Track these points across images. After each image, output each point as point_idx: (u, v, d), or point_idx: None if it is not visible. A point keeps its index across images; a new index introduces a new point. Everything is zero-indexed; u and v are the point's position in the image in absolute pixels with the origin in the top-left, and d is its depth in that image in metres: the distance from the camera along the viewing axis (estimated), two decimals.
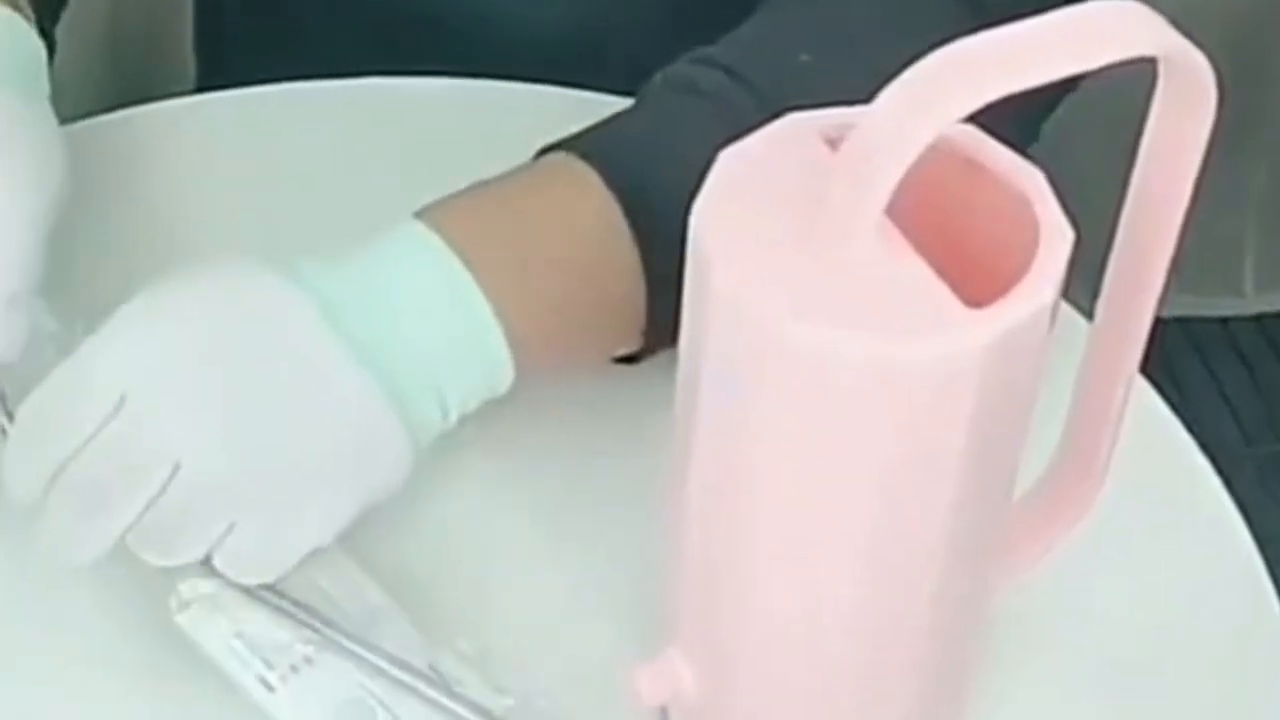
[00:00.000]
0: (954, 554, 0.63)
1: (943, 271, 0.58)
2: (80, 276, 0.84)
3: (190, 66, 1.17)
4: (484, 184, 0.76)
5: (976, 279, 0.58)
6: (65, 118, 0.93)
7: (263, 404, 0.70)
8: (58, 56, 0.89)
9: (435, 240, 0.73)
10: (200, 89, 1.13)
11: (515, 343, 0.73)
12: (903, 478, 0.60)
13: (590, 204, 0.75)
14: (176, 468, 0.69)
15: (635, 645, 0.72)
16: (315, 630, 0.71)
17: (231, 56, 1.12)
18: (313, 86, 0.96)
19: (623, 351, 0.77)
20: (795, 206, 0.58)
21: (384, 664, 0.70)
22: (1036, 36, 0.56)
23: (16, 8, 0.80)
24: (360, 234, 0.86)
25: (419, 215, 0.74)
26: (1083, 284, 0.66)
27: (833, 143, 0.59)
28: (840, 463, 0.60)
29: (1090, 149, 0.91)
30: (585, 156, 0.76)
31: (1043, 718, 0.74)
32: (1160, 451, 0.82)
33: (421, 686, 0.70)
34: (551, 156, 0.77)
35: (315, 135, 0.95)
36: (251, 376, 0.70)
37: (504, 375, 0.74)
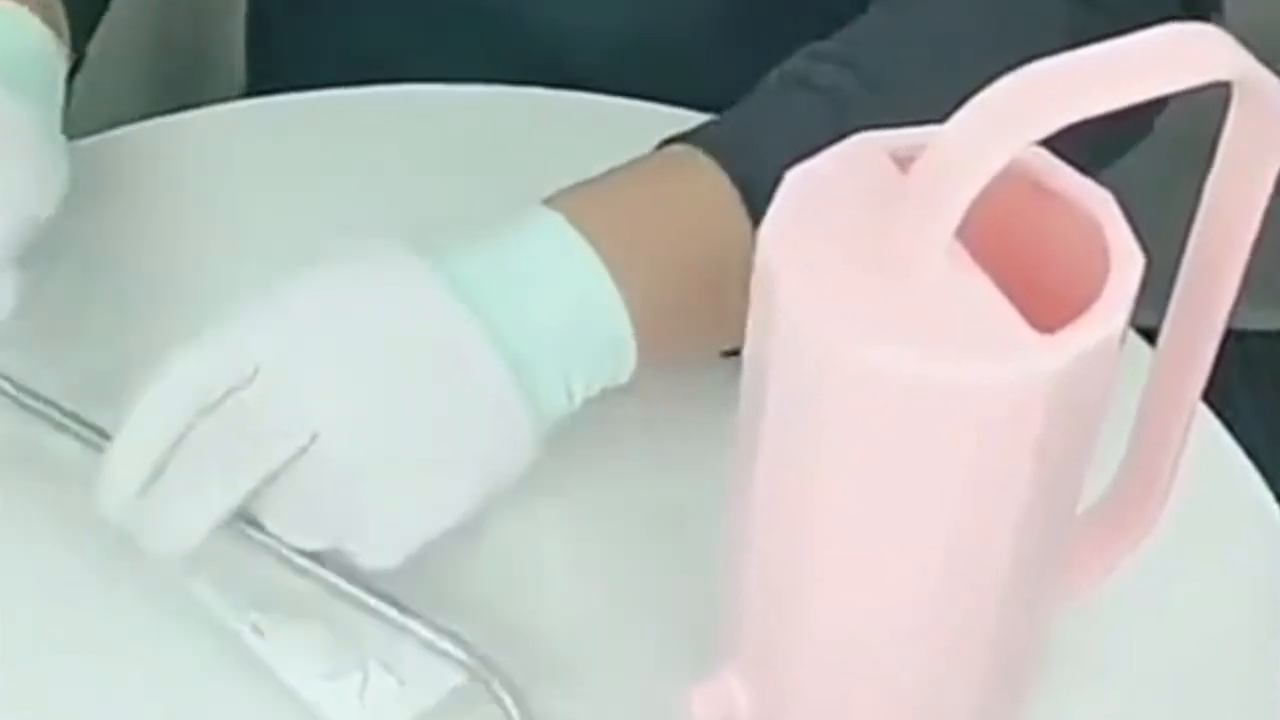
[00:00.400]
0: (1017, 575, 0.63)
1: (1011, 294, 0.57)
2: (129, 281, 0.84)
3: (239, 71, 1.17)
4: (608, 174, 0.76)
5: (1045, 302, 0.58)
6: (114, 122, 0.94)
7: (399, 383, 0.69)
8: (107, 60, 0.89)
9: (567, 228, 0.73)
10: (250, 93, 1.13)
11: (639, 331, 0.73)
12: (968, 501, 0.60)
13: (712, 196, 0.75)
14: (310, 440, 0.68)
15: (684, 665, 0.71)
16: (307, 572, 0.70)
17: (281, 61, 1.12)
18: (363, 92, 0.96)
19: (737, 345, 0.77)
20: (864, 228, 0.58)
21: (373, 600, 0.70)
22: (1111, 61, 0.55)
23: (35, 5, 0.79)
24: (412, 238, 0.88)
25: (548, 203, 0.74)
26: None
27: (902, 163, 0.59)
28: (905, 485, 0.59)
29: (1148, 168, 0.90)
30: (707, 149, 0.76)
31: None
32: (1218, 471, 0.81)
33: (414, 625, 0.70)
34: (673, 149, 0.77)
35: (366, 140, 0.94)
36: (388, 355, 0.69)
37: (627, 363, 0.74)
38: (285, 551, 0.70)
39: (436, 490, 0.70)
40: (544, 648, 0.74)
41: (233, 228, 0.90)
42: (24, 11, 0.78)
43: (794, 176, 0.60)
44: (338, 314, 0.70)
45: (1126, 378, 0.65)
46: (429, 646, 0.70)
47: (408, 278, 0.71)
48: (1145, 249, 0.58)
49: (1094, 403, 0.60)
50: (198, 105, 0.96)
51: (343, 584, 0.71)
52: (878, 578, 0.62)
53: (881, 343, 0.56)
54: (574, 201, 0.74)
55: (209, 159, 0.93)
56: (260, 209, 0.90)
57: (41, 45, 0.79)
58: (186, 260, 0.88)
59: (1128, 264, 0.58)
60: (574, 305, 0.72)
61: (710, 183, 0.75)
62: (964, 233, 0.57)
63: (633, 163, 0.77)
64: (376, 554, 0.70)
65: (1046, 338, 0.56)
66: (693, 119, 0.80)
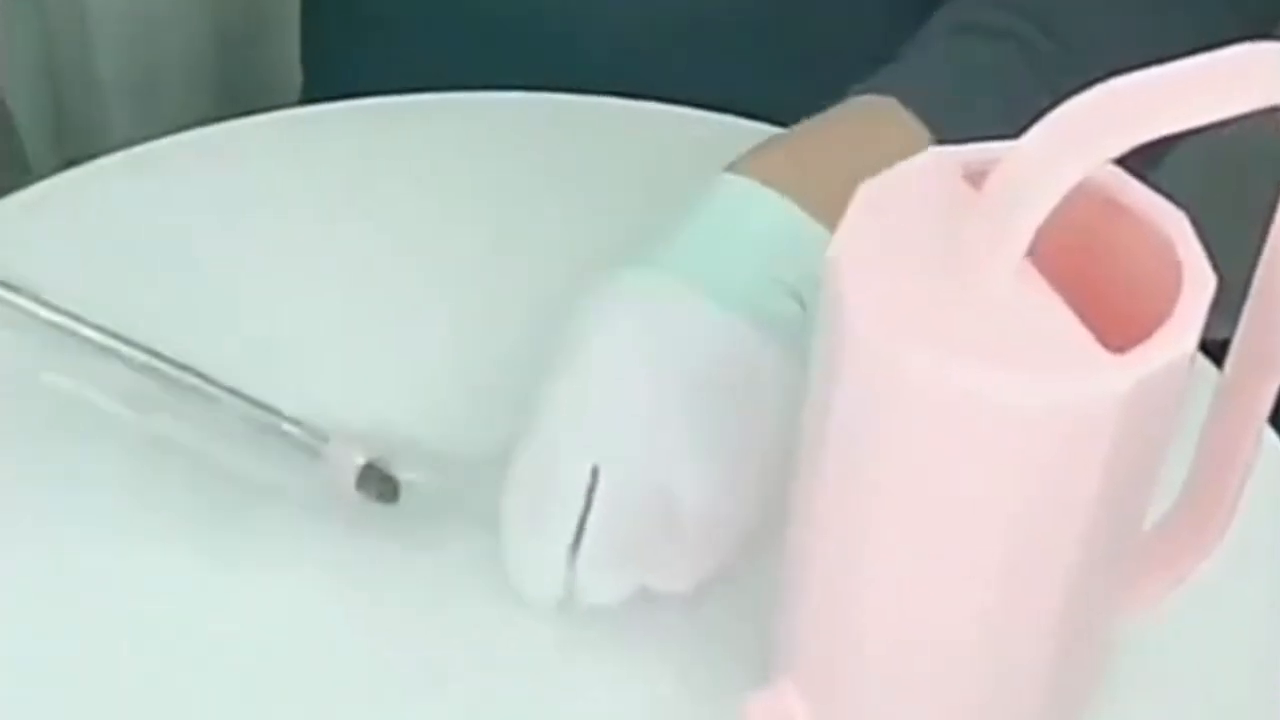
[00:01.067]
0: (1077, 593, 0.63)
1: (1081, 310, 0.57)
2: (188, 284, 0.85)
3: (296, 77, 1.18)
4: (793, 130, 0.77)
5: (1114, 319, 0.57)
6: (173, 127, 0.95)
7: (730, 428, 0.71)
8: (169, 68, 0.90)
9: (761, 188, 0.73)
10: (305, 100, 1.14)
11: None
12: (1032, 518, 0.59)
13: (902, 137, 0.75)
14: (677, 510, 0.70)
15: (740, 675, 0.71)
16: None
17: (337, 66, 1.12)
18: (418, 99, 0.97)
19: None
20: (935, 243, 0.58)
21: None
22: (1188, 79, 0.55)
23: None
24: (465, 242, 0.89)
25: (732, 169, 0.75)
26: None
27: (974, 179, 0.59)
28: (968, 500, 0.59)
29: (1221, 182, 0.90)
30: (891, 93, 0.77)
31: None
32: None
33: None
34: (857, 98, 0.78)
35: (421, 145, 0.95)
36: (710, 402, 0.70)
37: None
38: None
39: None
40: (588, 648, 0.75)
41: (289, 232, 0.90)
42: None
43: (865, 190, 0.60)
44: (648, 379, 0.71)
45: (1194, 397, 0.65)
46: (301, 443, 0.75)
47: (691, 314, 0.71)
48: (1215, 266, 0.58)
49: (1161, 423, 0.60)
50: (256, 112, 0.97)
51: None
52: (937, 590, 0.62)
53: (949, 358, 0.56)
54: (760, 161, 0.75)
55: (266, 164, 0.93)
56: (314, 214, 0.91)
57: None
58: (244, 263, 0.88)
59: (1199, 284, 0.57)
60: (794, 259, 0.72)
61: (896, 124, 0.75)
62: (1035, 248, 0.57)
63: (821, 116, 0.77)
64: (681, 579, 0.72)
65: (1116, 357, 0.56)
66: (736, 123, 0.80)
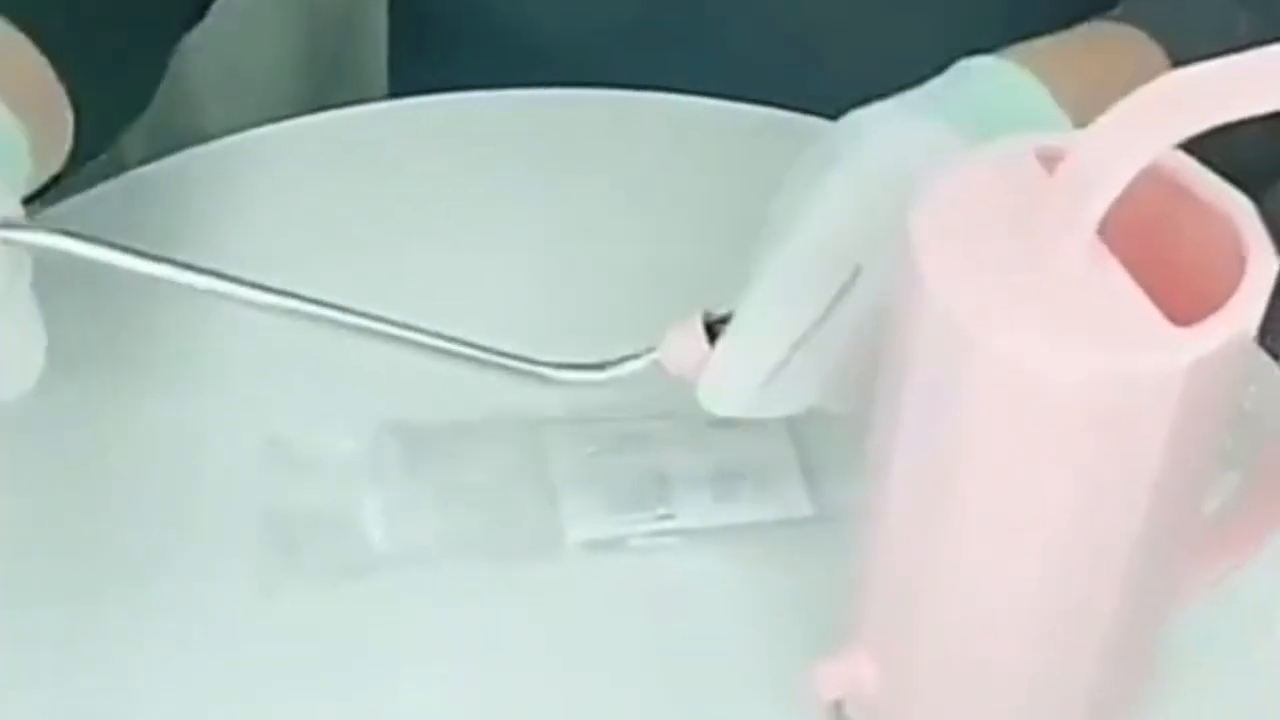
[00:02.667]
0: (1141, 568, 0.65)
1: (1148, 289, 0.60)
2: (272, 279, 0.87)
3: (382, 73, 1.20)
4: (1033, 41, 0.78)
5: (1180, 300, 0.60)
6: (260, 119, 0.98)
7: None
8: (256, 61, 0.92)
9: (1022, 72, 0.75)
10: (394, 94, 1.17)
11: None
12: (1100, 490, 0.62)
13: (1145, 60, 0.77)
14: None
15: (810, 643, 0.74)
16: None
17: (428, 59, 1.15)
18: (499, 95, 0.99)
19: None
20: (1009, 224, 0.60)
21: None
22: (1253, 68, 0.57)
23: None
24: (541, 233, 0.92)
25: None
26: None
27: (1048, 163, 0.61)
28: (1041, 473, 0.61)
29: None
30: (1136, 24, 0.80)
31: None
32: None
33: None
34: (1098, 24, 0.81)
35: (506, 139, 0.98)
36: None
37: None
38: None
39: None
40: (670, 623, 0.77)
41: (371, 223, 0.93)
42: None
43: (941, 172, 0.63)
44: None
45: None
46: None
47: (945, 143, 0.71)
48: None
49: (1222, 401, 0.62)
50: (342, 105, 1.00)
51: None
52: (1006, 561, 0.64)
53: (1022, 331, 0.58)
54: (1017, 55, 0.76)
55: (351, 158, 0.96)
56: (398, 206, 0.94)
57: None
58: (329, 256, 0.90)
59: (1262, 265, 0.60)
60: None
61: (1134, 43, 0.77)
62: (1106, 232, 0.59)
63: (1057, 36, 0.79)
64: None
65: (1182, 330, 0.58)
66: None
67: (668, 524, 0.79)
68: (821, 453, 0.81)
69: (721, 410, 0.72)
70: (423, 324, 0.72)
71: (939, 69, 0.78)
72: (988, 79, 0.75)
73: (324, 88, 1.17)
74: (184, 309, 0.84)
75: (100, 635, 0.76)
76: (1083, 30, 0.82)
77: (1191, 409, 0.60)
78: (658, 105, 0.99)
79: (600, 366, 0.73)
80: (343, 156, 0.96)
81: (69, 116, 0.78)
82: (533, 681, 0.76)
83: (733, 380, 0.71)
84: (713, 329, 0.71)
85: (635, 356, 0.73)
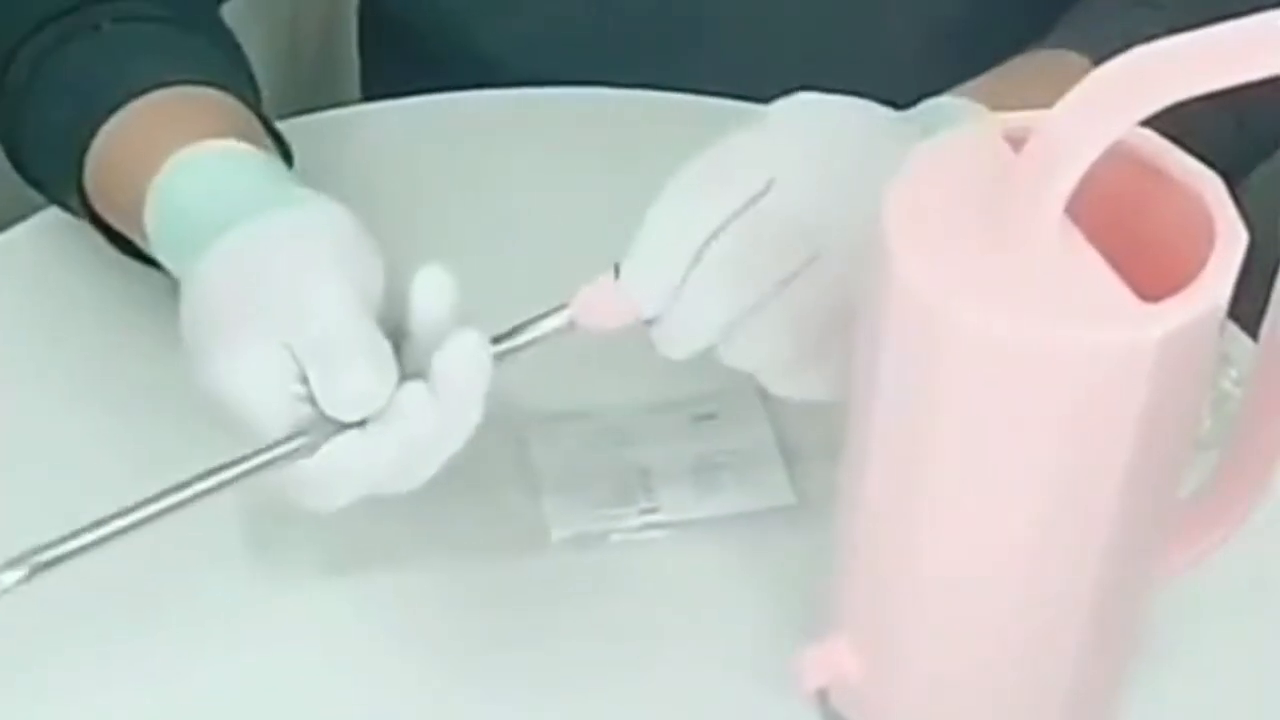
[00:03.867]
0: (1119, 546, 0.65)
1: (1118, 266, 0.60)
2: None
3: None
4: (980, 78, 0.81)
5: (1150, 279, 0.60)
6: None
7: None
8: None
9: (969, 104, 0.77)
10: (367, 97, 1.17)
11: None
12: (1073, 467, 0.62)
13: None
14: (816, 255, 0.70)
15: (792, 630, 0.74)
16: None
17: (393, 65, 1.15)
18: (474, 96, 1.00)
19: None
20: (978, 203, 0.61)
21: None
22: (1214, 44, 0.58)
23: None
24: (520, 236, 0.92)
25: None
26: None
27: (1016, 144, 0.62)
28: (1014, 450, 0.62)
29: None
30: (1077, 50, 0.82)
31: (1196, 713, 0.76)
32: None
33: None
34: (1041, 53, 0.84)
35: (480, 141, 0.98)
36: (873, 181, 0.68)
37: None
38: None
39: None
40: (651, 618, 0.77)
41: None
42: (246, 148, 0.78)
43: (913, 155, 0.63)
44: (830, 140, 0.72)
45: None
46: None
47: (882, 118, 0.73)
48: (1253, 236, 0.61)
49: (1194, 377, 0.63)
50: (320, 109, 1.01)
51: None
52: (983, 544, 0.65)
53: (991, 308, 0.59)
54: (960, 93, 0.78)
55: (331, 160, 0.96)
56: (382, 207, 0.93)
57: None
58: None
59: (1231, 240, 0.60)
60: None
61: (1077, 70, 0.78)
62: (1075, 210, 0.60)
63: (1004, 65, 0.82)
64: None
65: (1151, 306, 0.59)
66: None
67: (652, 518, 0.80)
68: (802, 440, 0.82)
69: (679, 352, 0.71)
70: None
71: (929, 72, 0.80)
72: (935, 115, 0.77)
73: (303, 97, 1.17)
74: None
75: (80, 636, 0.76)
76: (1020, 61, 0.84)
77: (1163, 385, 0.60)
78: (644, 103, 0.99)
79: (513, 333, 0.71)
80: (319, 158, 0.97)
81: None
82: (519, 680, 0.76)
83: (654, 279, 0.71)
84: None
85: (547, 315, 0.72)
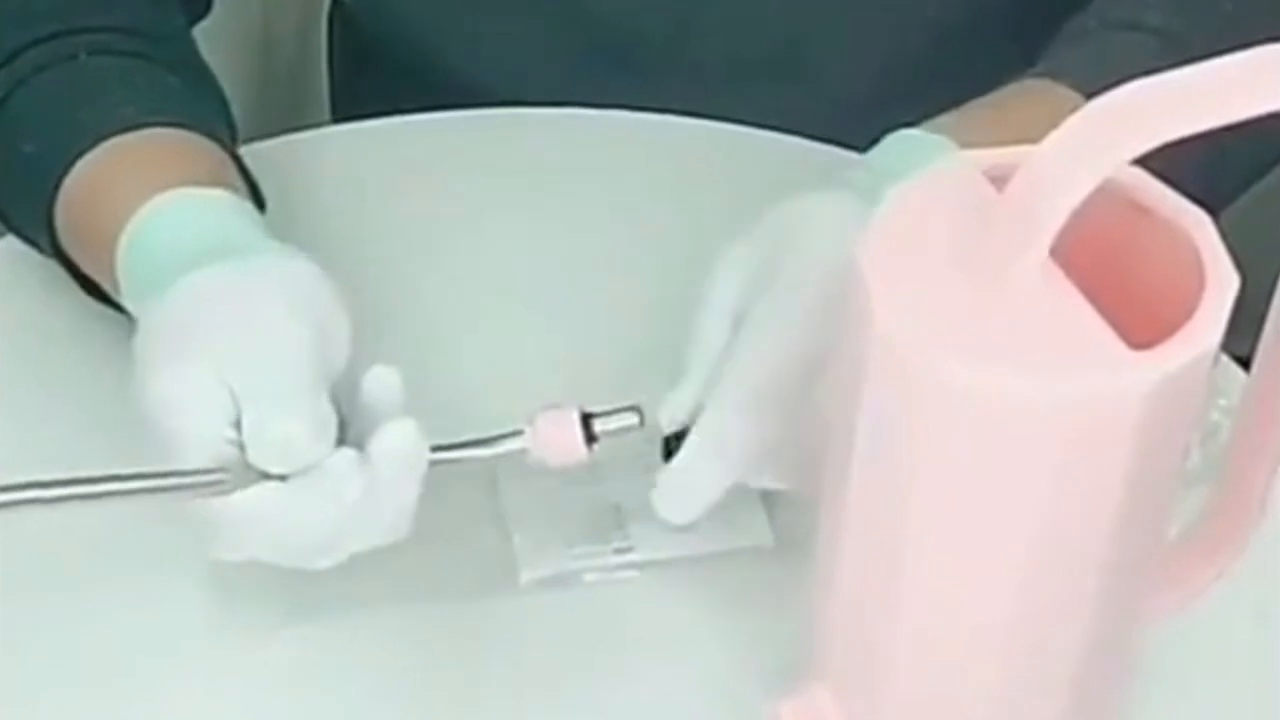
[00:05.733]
0: (1107, 593, 0.63)
1: (1105, 310, 0.58)
2: None
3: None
4: (966, 106, 0.81)
5: (1137, 320, 0.58)
6: None
7: None
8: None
9: (941, 139, 0.77)
10: (336, 119, 1.15)
11: None
12: (1059, 517, 0.60)
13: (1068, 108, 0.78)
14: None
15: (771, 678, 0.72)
16: None
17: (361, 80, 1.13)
18: (444, 117, 0.98)
19: None
20: (959, 245, 0.59)
21: None
22: (1205, 82, 0.56)
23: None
24: (495, 257, 0.90)
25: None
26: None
27: (998, 182, 0.59)
28: (997, 501, 0.60)
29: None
30: (1056, 77, 0.81)
31: None
32: None
33: None
34: (1029, 82, 0.83)
35: (449, 161, 0.96)
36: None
37: None
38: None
39: None
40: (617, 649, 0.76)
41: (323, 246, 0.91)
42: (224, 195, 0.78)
43: (891, 195, 0.61)
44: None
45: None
46: None
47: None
48: (1241, 272, 0.59)
49: (1184, 421, 0.60)
50: (293, 130, 0.99)
51: None
52: (968, 591, 0.63)
53: (974, 358, 0.57)
54: (934, 127, 0.78)
55: (302, 182, 0.95)
56: (348, 228, 0.92)
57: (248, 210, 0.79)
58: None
59: (1222, 284, 0.58)
60: None
61: (1069, 107, 0.76)
62: (1060, 250, 0.57)
63: (992, 95, 0.81)
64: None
65: (1139, 354, 0.56)
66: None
67: (625, 557, 0.77)
68: None
69: (680, 519, 0.74)
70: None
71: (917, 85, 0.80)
72: (909, 152, 0.76)
73: (274, 119, 1.15)
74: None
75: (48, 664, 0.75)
76: (1006, 93, 0.82)
77: (1152, 432, 0.58)
78: (616, 123, 0.97)
79: (462, 445, 0.72)
80: (290, 180, 0.95)
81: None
82: None
83: (698, 496, 0.73)
84: (588, 422, 0.72)
85: (506, 436, 0.72)
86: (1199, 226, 0.60)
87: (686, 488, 0.73)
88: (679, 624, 0.76)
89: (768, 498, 0.79)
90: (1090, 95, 0.73)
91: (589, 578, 0.77)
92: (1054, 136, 0.56)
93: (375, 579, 0.76)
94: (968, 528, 0.61)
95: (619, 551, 0.78)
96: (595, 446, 0.72)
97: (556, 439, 0.72)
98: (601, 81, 0.98)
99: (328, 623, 0.76)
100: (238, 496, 0.67)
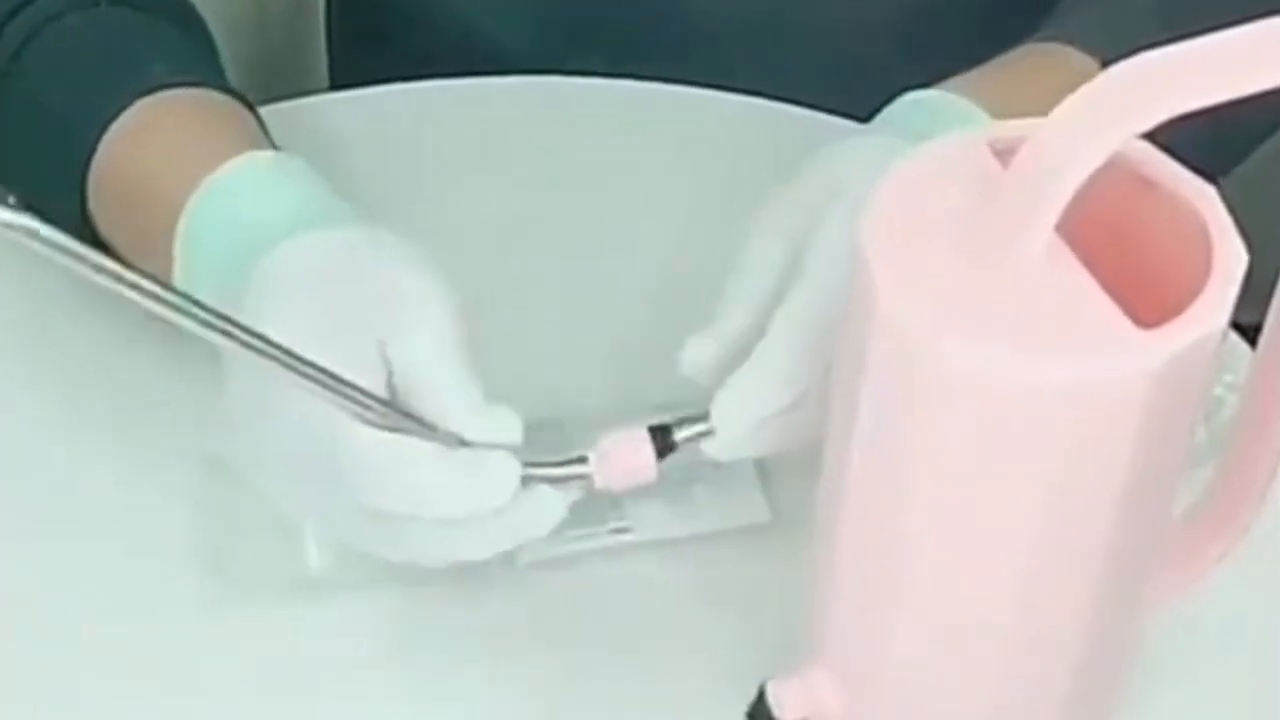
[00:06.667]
0: (1111, 577, 0.62)
1: (1111, 287, 0.57)
2: None
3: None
4: (980, 68, 0.79)
5: (1145, 296, 0.57)
6: None
7: None
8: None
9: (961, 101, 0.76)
10: (335, 85, 1.14)
11: None
12: (1063, 499, 0.59)
13: (1080, 70, 0.78)
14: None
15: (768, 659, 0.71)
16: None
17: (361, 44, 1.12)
18: (443, 85, 0.97)
19: None
20: (963, 222, 0.58)
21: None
22: (1214, 55, 0.55)
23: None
24: (494, 229, 0.89)
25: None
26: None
27: (1003, 156, 0.58)
28: (1000, 482, 0.59)
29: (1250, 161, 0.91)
30: (1072, 43, 0.80)
31: None
32: None
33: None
34: (1041, 45, 0.81)
35: (447, 131, 0.95)
36: None
37: None
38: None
39: None
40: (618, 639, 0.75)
41: None
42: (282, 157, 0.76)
43: (893, 169, 0.60)
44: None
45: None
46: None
47: None
48: (1249, 241, 0.58)
49: (1192, 400, 0.59)
50: (288, 97, 0.97)
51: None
52: (970, 573, 0.62)
53: (978, 338, 0.56)
54: (953, 86, 0.77)
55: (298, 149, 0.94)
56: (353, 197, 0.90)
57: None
58: None
59: (1230, 261, 0.57)
60: None
61: (1085, 73, 0.75)
62: (1066, 226, 0.56)
63: (1003, 58, 0.80)
64: None
65: (1146, 334, 0.55)
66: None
67: (622, 538, 0.76)
68: (778, 455, 0.78)
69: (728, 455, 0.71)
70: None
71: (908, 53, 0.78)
72: (927, 112, 0.75)
73: (270, 84, 1.14)
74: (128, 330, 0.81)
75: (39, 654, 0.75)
76: (1015, 56, 0.81)
77: (1159, 412, 0.57)
78: (628, 93, 0.97)
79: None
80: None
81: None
82: (485, 704, 0.73)
83: (751, 410, 0.70)
84: (664, 436, 0.70)
85: (571, 462, 0.70)
86: (1207, 202, 0.59)
87: (744, 398, 0.69)
88: (676, 604, 0.75)
89: (765, 476, 0.78)
90: (1106, 62, 0.73)
91: (586, 559, 0.76)
92: (1059, 110, 0.55)
93: (370, 560, 0.75)
94: (970, 510, 0.60)
95: (616, 532, 0.76)
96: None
97: (627, 463, 0.69)
98: (592, 50, 0.97)
99: (322, 604, 0.75)
100: (427, 447, 0.65)
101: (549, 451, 0.76)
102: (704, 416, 0.70)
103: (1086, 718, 0.68)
